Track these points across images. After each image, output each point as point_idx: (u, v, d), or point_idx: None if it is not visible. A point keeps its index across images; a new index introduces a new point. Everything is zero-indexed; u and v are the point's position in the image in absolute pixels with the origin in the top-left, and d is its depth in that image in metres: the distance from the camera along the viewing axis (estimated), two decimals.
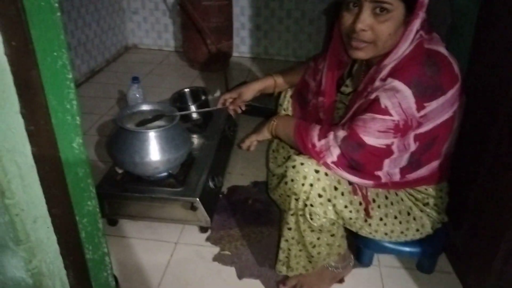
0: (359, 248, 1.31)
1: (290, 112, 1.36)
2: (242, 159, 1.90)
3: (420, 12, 0.93)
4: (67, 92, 0.61)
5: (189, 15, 2.63)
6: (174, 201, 1.37)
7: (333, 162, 0.99)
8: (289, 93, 1.38)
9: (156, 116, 1.42)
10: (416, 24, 0.94)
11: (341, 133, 0.98)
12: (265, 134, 1.21)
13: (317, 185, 1.00)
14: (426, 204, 1.13)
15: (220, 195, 1.64)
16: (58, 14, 0.56)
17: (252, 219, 1.53)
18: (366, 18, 0.93)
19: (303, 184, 1.01)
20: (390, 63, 0.97)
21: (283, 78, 1.37)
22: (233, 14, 2.85)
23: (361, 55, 1.00)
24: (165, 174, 1.41)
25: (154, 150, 1.31)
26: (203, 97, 1.77)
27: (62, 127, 0.62)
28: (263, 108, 2.16)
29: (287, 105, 1.38)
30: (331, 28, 1.11)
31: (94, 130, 2.13)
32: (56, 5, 0.56)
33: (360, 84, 1.05)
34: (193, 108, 1.68)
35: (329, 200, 1.02)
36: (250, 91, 1.37)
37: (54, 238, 0.63)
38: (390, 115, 0.93)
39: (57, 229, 0.63)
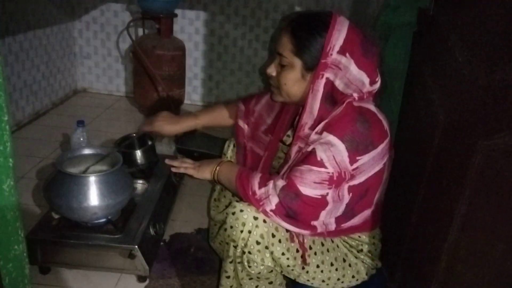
0: None
1: (234, 161, 1.40)
2: (186, 205, 1.89)
3: (322, 73, 1.02)
4: (1, 134, 0.61)
5: (141, 62, 2.67)
6: (112, 249, 1.33)
7: (271, 210, 1.02)
8: (233, 142, 1.42)
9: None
10: (320, 84, 1.02)
11: (280, 183, 1.02)
12: (205, 175, 1.23)
13: (255, 232, 1.02)
14: (360, 251, 1.17)
15: (162, 243, 1.60)
16: None
17: (193, 267, 1.50)
18: (272, 67, 1.11)
19: (241, 231, 1.02)
20: (307, 122, 1.05)
21: (206, 117, 1.44)
22: (186, 64, 2.93)
23: (273, 97, 1.16)
24: (103, 220, 1.38)
25: (93, 195, 1.28)
26: (149, 143, 1.77)
27: None
28: (211, 155, 2.19)
29: (230, 154, 1.41)
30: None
31: (33, 173, 2.05)
32: None
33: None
34: (138, 153, 1.67)
35: (266, 247, 1.03)
36: (172, 126, 1.46)
37: None
38: (325, 167, 0.99)
39: None
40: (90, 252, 1.35)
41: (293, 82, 1.07)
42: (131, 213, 1.46)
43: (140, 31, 2.94)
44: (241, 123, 1.34)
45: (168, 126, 1.42)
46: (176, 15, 2.77)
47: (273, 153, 1.25)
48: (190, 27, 3.07)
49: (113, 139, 1.95)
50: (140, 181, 1.68)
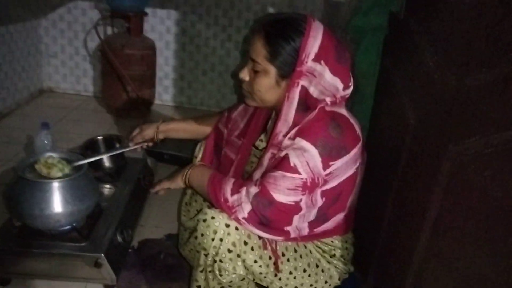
0: None
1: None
2: (156, 210, 1.84)
3: (298, 81, 1.00)
4: None
5: (110, 61, 2.59)
6: (77, 257, 1.27)
7: (244, 218, 0.99)
8: (203, 144, 1.39)
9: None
10: (295, 92, 1.00)
11: (253, 190, 1.00)
12: (178, 183, 1.19)
13: (227, 240, 0.99)
14: (333, 256, 1.16)
15: (130, 249, 1.55)
16: None
17: (163, 275, 1.46)
18: (245, 71, 1.08)
19: (213, 239, 0.99)
20: (282, 130, 1.03)
21: (188, 124, 1.39)
22: (157, 63, 2.86)
23: (247, 101, 1.14)
24: (68, 227, 1.32)
25: (56, 202, 1.22)
26: (117, 145, 1.71)
27: None
28: (182, 157, 2.14)
29: (202, 156, 1.37)
30: None
31: None
32: None
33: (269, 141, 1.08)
34: (105, 157, 1.61)
35: (238, 256, 1.00)
36: (151, 128, 1.39)
37: None
38: (299, 173, 0.97)
39: None
40: (54, 261, 1.29)
41: (267, 88, 1.04)
42: (97, 220, 1.40)
43: (109, 30, 2.86)
44: (221, 127, 1.31)
45: (147, 124, 1.42)
46: (146, 14, 2.72)
47: (245, 157, 1.22)
48: (161, 26, 3.00)
49: (81, 141, 1.88)
50: (107, 186, 1.62)
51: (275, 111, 1.17)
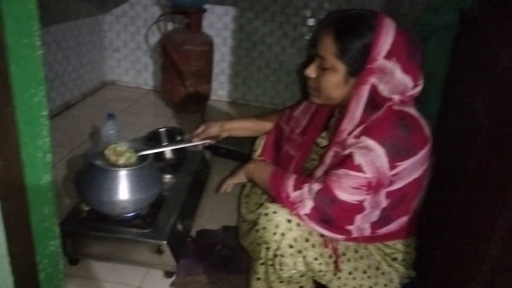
0: None
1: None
2: (213, 202, 1.88)
3: (368, 78, 0.98)
4: (40, 129, 0.60)
5: (170, 57, 2.67)
6: (140, 243, 1.33)
7: (305, 214, 0.99)
8: (264, 139, 1.40)
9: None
10: (364, 90, 0.98)
11: (316, 186, 0.99)
12: (241, 177, 1.22)
13: (289, 235, 1.00)
14: (395, 259, 1.13)
15: (188, 239, 1.60)
16: (40, 52, 0.56)
17: (220, 265, 1.49)
18: (312, 68, 1.07)
19: (274, 233, 1.00)
20: (347, 128, 1.01)
21: (251, 122, 1.41)
22: (214, 59, 2.92)
23: (312, 99, 1.13)
24: (133, 214, 1.38)
25: (123, 190, 1.28)
26: (178, 138, 1.76)
27: (32, 164, 0.60)
28: (238, 152, 2.17)
29: (261, 151, 1.39)
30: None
31: (63, 164, 2.08)
32: (39, 43, 0.56)
33: (332, 139, 1.07)
34: (167, 149, 1.67)
35: (299, 252, 1.01)
36: (216, 126, 1.41)
37: (10, 279, 0.60)
38: (364, 172, 0.95)
39: (15, 270, 0.60)
40: (118, 245, 1.35)
41: (334, 86, 1.04)
42: (159, 208, 1.46)
43: (170, 26, 2.94)
44: (283, 124, 1.32)
45: (213, 122, 1.45)
46: (205, 10, 2.76)
47: (306, 154, 1.22)
48: (218, 23, 3.05)
49: (142, 132, 1.96)
50: (168, 176, 1.67)
51: (339, 108, 1.15)
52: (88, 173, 1.32)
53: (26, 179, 0.59)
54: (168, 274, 1.41)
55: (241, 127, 1.41)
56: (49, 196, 0.65)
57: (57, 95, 2.64)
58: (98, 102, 2.96)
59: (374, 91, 0.99)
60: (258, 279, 1.08)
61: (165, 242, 1.31)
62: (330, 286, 1.11)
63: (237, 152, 2.17)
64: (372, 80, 0.98)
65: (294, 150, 1.24)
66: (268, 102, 3.22)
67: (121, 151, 1.35)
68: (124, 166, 1.33)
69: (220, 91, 3.24)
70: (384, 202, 1.00)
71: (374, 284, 1.12)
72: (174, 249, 1.35)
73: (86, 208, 1.40)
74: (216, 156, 2.21)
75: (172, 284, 1.39)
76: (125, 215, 1.37)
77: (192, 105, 2.83)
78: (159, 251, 1.32)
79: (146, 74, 3.27)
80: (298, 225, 1.00)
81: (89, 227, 1.35)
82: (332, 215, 0.98)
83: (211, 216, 1.78)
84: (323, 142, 1.20)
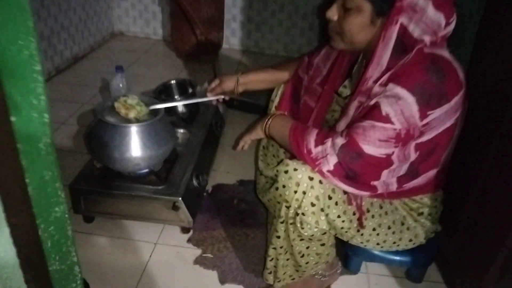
0: (348, 255, 1.26)
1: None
2: (228, 156, 1.83)
3: (397, 17, 0.87)
4: (34, 86, 0.53)
5: (179, 4, 2.53)
6: (155, 200, 1.30)
7: (329, 171, 0.92)
8: (281, 89, 1.31)
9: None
10: (393, 31, 0.88)
11: (340, 141, 0.91)
12: (258, 133, 1.14)
13: (311, 193, 0.94)
14: (421, 214, 1.08)
15: (204, 193, 1.56)
16: None
17: (236, 220, 1.46)
18: (334, 10, 0.97)
19: (295, 192, 0.94)
20: (373, 75, 0.92)
21: (267, 73, 1.31)
22: (225, 5, 2.76)
23: (333, 44, 1.02)
24: (146, 170, 1.34)
25: (135, 146, 1.23)
26: (190, 90, 1.69)
27: (27, 125, 0.54)
28: (253, 104, 2.09)
29: (279, 102, 1.31)
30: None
31: (74, 119, 2.04)
32: None
33: (356, 88, 0.98)
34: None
35: (322, 210, 0.95)
36: (231, 81, 1.31)
37: (13, 250, 0.56)
38: (392, 123, 0.87)
39: (17, 241, 0.55)
40: (132, 203, 1.32)
41: (359, 28, 0.93)
42: (173, 164, 1.41)
43: None
44: (301, 73, 1.22)
45: (228, 76, 1.34)
46: None
47: (326, 105, 1.14)
48: None
49: (152, 85, 1.88)
50: (182, 130, 1.61)
51: (363, 54, 1.05)
52: (98, 130, 1.26)
53: (20, 143, 0.53)
54: (184, 230, 1.39)
55: (257, 80, 1.31)
56: (49, 160, 0.59)
57: (65, 48, 2.56)
58: (107, 54, 2.87)
59: (403, 32, 0.88)
60: (278, 237, 1.04)
61: (180, 198, 1.28)
62: (351, 242, 1.07)
63: (252, 104, 2.08)
64: (401, 19, 0.87)
65: (313, 101, 1.16)
66: (282, 49, 3.08)
67: (131, 104, 1.29)
68: (136, 121, 1.27)
69: (232, 38, 3.10)
70: (413, 155, 0.92)
71: (398, 240, 1.07)
72: (189, 205, 1.31)
73: (98, 165, 1.37)
74: (230, 109, 2.13)
75: (189, 240, 1.37)
76: (139, 172, 1.33)
77: (203, 54, 2.71)
78: (175, 207, 1.29)
79: (155, 23, 3.14)
80: (320, 182, 0.94)
81: (102, 185, 1.32)
82: (357, 170, 0.91)
83: (227, 170, 1.74)
84: (345, 91, 1.11)
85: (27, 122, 0.54)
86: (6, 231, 0.53)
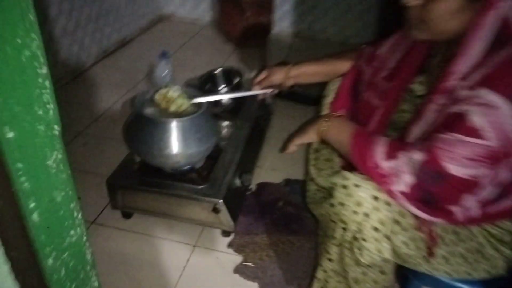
0: (406, 277, 1.10)
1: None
2: (274, 152, 1.70)
3: (497, 2, 0.70)
4: (39, 93, 0.43)
5: None
6: (194, 201, 1.20)
7: (402, 193, 0.77)
8: (337, 83, 1.16)
9: None
10: (489, 18, 0.71)
11: (418, 156, 0.75)
12: (311, 137, 0.99)
13: (374, 216, 0.78)
14: (502, 242, 0.90)
15: (248, 192, 1.45)
16: None
17: (281, 225, 1.34)
18: None
19: (355, 212, 0.79)
20: (461, 69, 0.74)
21: (322, 65, 1.16)
22: None
23: (414, 34, 0.85)
24: (187, 167, 1.24)
25: (175, 142, 1.13)
26: (237, 79, 1.57)
27: (30, 141, 0.44)
28: (303, 94, 1.95)
29: (334, 98, 1.15)
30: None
31: (119, 105, 1.98)
32: None
33: (435, 86, 0.81)
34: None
35: (386, 237, 0.80)
36: (280, 73, 1.18)
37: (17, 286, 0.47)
38: (484, 138, 0.70)
39: (19, 275, 0.46)
40: (171, 201, 1.24)
41: (448, 15, 0.76)
42: (216, 160, 1.30)
43: None
44: (363, 65, 1.06)
45: (277, 68, 1.21)
46: None
47: (395, 103, 0.97)
48: None
49: (198, 71, 1.78)
50: (225, 123, 1.50)
51: (447, 45, 0.87)
52: (136, 123, 1.18)
53: (22, 162, 0.43)
54: (225, 233, 1.29)
55: (310, 73, 1.16)
56: (61, 179, 0.49)
57: (112, 31, 2.51)
58: (155, 37, 2.80)
59: (502, 21, 0.71)
60: (330, 260, 0.90)
61: (222, 200, 1.17)
62: (416, 269, 0.92)
63: (303, 94, 1.94)
64: (501, 5, 0.70)
65: (378, 98, 0.99)
66: (338, 34, 2.88)
67: (172, 97, 1.19)
68: (176, 114, 1.17)
69: (283, 22, 2.93)
70: (504, 176, 0.75)
71: (472, 270, 0.90)
72: (231, 208, 1.21)
73: (137, 159, 1.29)
74: (278, 99, 1.99)
75: (229, 245, 1.27)
76: (179, 169, 1.24)
77: (252, 39, 2.58)
78: (215, 210, 1.19)
79: (204, 5, 3.03)
80: (387, 204, 0.79)
81: (140, 181, 1.24)
82: (436, 193, 0.75)
83: (273, 167, 1.62)
84: (420, 89, 0.94)
85: (30, 137, 0.44)
86: (6, 266, 0.44)
